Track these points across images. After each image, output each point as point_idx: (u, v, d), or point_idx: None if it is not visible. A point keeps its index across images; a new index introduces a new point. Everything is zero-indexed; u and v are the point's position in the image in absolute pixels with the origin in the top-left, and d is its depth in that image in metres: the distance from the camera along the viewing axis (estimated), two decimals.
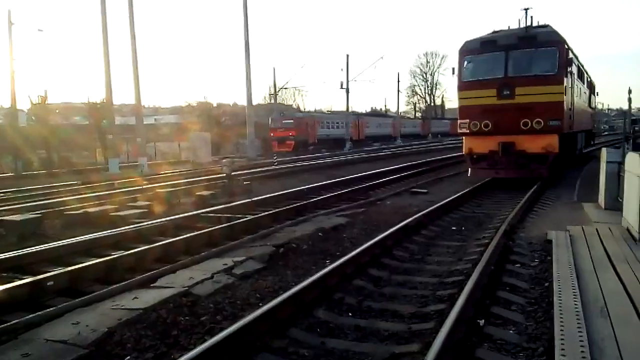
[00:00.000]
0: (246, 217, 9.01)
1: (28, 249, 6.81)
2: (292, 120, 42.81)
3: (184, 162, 28.29)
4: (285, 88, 57.62)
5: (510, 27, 14.36)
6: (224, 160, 14.99)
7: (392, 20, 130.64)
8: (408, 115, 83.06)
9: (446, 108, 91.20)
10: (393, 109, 76.01)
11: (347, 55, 47.28)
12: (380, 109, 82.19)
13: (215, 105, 38.33)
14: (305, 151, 39.20)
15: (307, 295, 4.39)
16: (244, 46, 31.13)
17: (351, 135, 47.16)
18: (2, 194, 14.30)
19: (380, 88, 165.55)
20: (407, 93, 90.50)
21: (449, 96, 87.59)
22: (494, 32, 14.09)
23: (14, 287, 5.16)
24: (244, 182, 14.42)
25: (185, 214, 9.61)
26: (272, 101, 57.12)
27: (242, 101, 37.60)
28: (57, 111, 33.87)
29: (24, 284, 5.26)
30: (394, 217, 8.69)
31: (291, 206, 10.34)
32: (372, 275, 5.46)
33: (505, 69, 12.62)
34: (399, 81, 65.08)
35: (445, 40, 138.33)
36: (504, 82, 12.57)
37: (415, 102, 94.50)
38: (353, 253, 5.70)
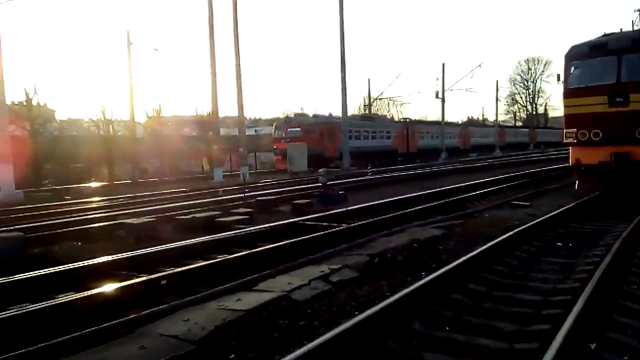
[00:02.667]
0: (341, 226, 9.14)
1: (144, 249, 7.45)
2: (298, 128, 34.03)
3: (282, 172, 29.27)
4: (380, 98, 57.51)
5: (623, 30, 13.31)
6: (320, 170, 15.32)
7: (490, 26, 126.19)
8: (507, 124, 79.29)
9: (550, 117, 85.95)
10: (491, 118, 73.04)
11: (443, 64, 46.21)
12: (477, 118, 79.31)
13: (311, 116, 38.81)
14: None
15: (403, 307, 4.37)
16: (340, 57, 31.66)
17: (395, 147, 42.29)
18: (122, 200, 15.74)
19: (477, 97, 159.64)
20: (507, 101, 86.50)
21: (553, 104, 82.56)
22: (605, 35, 13.10)
23: (131, 284, 5.69)
24: (339, 192, 14.63)
25: (284, 222, 9.97)
26: (367, 112, 57.27)
27: (338, 112, 37.89)
28: (169, 123, 36.66)
29: (140, 281, 5.78)
30: (493, 230, 8.36)
31: (386, 216, 10.32)
32: (470, 290, 5.30)
33: (618, 74, 11.66)
34: (497, 89, 62.39)
35: (549, 46, 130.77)
36: (616, 88, 11.62)
37: (516, 111, 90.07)
38: (450, 266, 5.57)
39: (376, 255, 6.58)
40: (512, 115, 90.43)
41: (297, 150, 30.42)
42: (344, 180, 19.41)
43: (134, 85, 32.47)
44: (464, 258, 5.92)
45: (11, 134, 18.26)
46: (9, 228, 9.18)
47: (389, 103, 67.88)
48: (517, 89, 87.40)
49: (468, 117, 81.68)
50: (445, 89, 46.09)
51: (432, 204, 12.22)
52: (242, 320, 4.27)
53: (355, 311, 4.57)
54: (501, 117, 76.94)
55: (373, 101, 56.45)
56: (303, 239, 8.01)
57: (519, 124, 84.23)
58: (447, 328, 4.27)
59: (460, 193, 14.50)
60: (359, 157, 34.99)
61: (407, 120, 51.01)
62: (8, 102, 18.70)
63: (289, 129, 34.09)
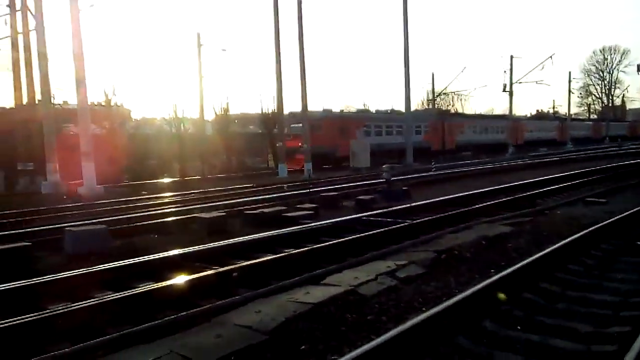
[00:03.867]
0: (406, 222, 9.10)
1: (215, 242, 7.78)
2: (301, 124, 28.93)
3: (345, 168, 29.38)
4: (445, 93, 56.14)
5: None
6: (384, 166, 15.29)
7: (562, 15, 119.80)
8: (580, 117, 75.12)
9: (628, 109, 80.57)
10: (563, 110, 69.48)
11: (511, 57, 44.46)
12: (548, 112, 75.68)
13: (374, 112, 38.38)
14: (338, 168, 28.77)
15: (473, 304, 4.33)
16: (403, 52, 31.34)
17: (428, 143, 37.38)
18: (194, 195, 16.47)
19: (548, 89, 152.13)
20: (580, 93, 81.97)
21: (631, 95, 77.32)
22: None
23: (205, 276, 5.98)
24: (403, 187, 14.52)
25: (348, 217, 10.06)
26: (430, 106, 56.14)
27: (400, 106, 37.34)
28: (235, 121, 37.76)
29: (213, 273, 6.06)
30: (566, 228, 8.01)
31: (451, 212, 10.16)
32: (543, 289, 5.15)
33: None
34: (570, 81, 59.05)
35: (627, 34, 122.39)
36: None
37: (590, 103, 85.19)
38: (521, 264, 5.43)
39: (443, 252, 6.53)
40: (586, 108, 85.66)
41: (360, 145, 30.38)
42: (407, 176, 19.23)
43: (203, 86, 33.80)
44: (535, 256, 5.75)
45: (92, 133, 19.51)
46: (93, 221, 9.85)
47: (453, 97, 66.24)
48: (591, 80, 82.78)
49: (537, 111, 78.27)
50: (514, 81, 44.39)
51: (500, 200, 11.88)
52: (311, 313, 4.39)
53: (423, 307, 4.57)
54: (574, 110, 73.17)
55: (437, 95, 55.20)
56: (368, 234, 8.06)
57: (594, 116, 79.59)
58: (519, 327, 4.19)
59: (529, 189, 13.98)
60: (380, 155, 31.26)
61: (446, 111, 46.39)
62: (88, 102, 19.93)
63: (292, 125, 29.92)
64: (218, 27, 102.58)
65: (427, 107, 58.17)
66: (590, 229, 7.39)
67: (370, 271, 5.67)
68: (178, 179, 25.26)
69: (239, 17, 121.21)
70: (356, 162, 29.47)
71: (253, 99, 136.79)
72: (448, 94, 58.81)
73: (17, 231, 9.38)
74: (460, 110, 62.10)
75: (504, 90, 44.09)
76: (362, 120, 34.35)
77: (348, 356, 3.32)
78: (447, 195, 12.80)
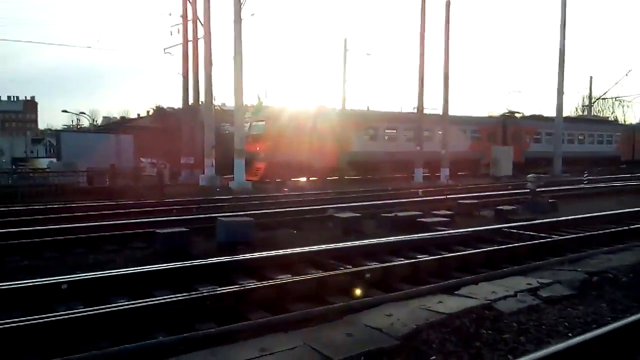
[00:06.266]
0: (551, 238, 8.45)
1: (350, 242, 7.96)
2: (262, 122, 23.39)
3: (484, 175, 28.08)
4: (604, 98, 50.60)
5: None
6: (529, 176, 14.30)
7: None
8: None
9: None
10: None
11: None
12: None
13: (519, 117, 35.73)
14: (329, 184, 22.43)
15: (630, 336, 3.89)
16: (559, 54, 29.00)
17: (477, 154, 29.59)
18: (331, 194, 17.04)
19: None
20: None
21: None
22: None
23: (339, 273, 6.15)
24: (549, 200, 13.46)
25: (486, 227, 9.61)
26: (585, 112, 51.10)
27: (551, 112, 34.37)
28: None
29: (347, 272, 6.21)
30: None
31: (605, 231, 9.20)
32: None
33: None
34: None
35: None
36: None
37: None
38: None
39: (594, 274, 5.93)
40: None
41: (502, 152, 28.76)
42: (554, 188, 17.77)
43: (346, 89, 34.74)
44: None
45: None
46: (240, 213, 10.68)
47: (613, 103, 59.41)
48: None
49: None
50: None
51: None
52: (444, 323, 4.29)
53: (569, 332, 4.21)
54: None
55: (594, 101, 50.05)
56: (507, 247, 7.65)
57: None
58: None
59: None
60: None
61: (509, 114, 35.90)
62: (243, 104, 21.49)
63: (253, 124, 23.77)
64: (364, 32, 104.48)
65: (581, 113, 52.95)
66: None
67: (509, 286, 5.37)
68: (316, 178, 26.19)
69: (384, 23, 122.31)
70: (497, 169, 27.98)
71: (394, 100, 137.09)
72: (607, 99, 52.91)
73: (177, 217, 10.56)
74: (620, 118, 55.42)
75: None
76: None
77: None
78: (601, 211, 11.58)
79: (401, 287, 5.84)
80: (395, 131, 27.60)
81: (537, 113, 38.30)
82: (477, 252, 7.32)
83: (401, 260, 6.89)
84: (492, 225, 10.04)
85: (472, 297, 4.98)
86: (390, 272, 6.33)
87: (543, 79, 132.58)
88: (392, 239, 8.18)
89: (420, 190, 17.33)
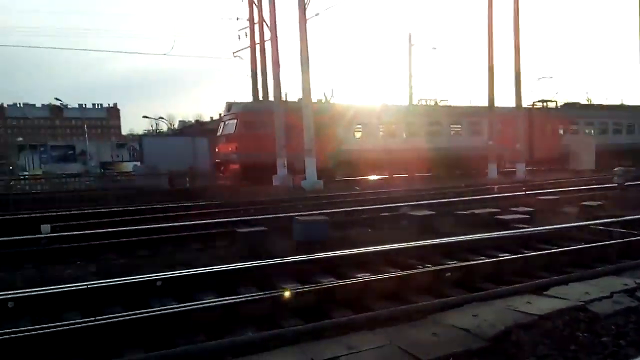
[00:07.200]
0: None
1: (426, 241, 7.86)
2: (234, 119, 21.50)
3: (561, 170, 26.71)
4: None
5: None
6: (615, 169, 13.45)
7: None
8: None
9: None
10: None
11: None
12: None
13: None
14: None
15: None
16: None
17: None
18: (402, 192, 16.90)
19: None
20: None
21: None
22: None
23: (419, 272, 6.10)
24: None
25: (570, 224, 9.16)
26: None
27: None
28: None
29: (427, 271, 6.15)
30: None
31: None
32: None
33: None
34: None
35: None
36: None
37: None
38: None
39: None
40: None
41: (583, 145, 27.21)
42: None
43: (412, 83, 34.29)
44: None
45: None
46: (315, 212, 10.85)
47: None
48: None
49: None
50: None
51: None
52: (535, 325, 4.15)
53: None
54: None
55: None
56: (598, 245, 7.24)
57: None
58: None
59: None
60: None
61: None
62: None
63: (226, 122, 22.15)
64: (429, 27, 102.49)
65: None
66: None
67: (603, 287, 5.09)
68: (386, 176, 26.02)
69: (451, 17, 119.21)
70: (577, 163, 26.51)
71: (461, 94, 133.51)
72: None
73: (255, 217, 10.89)
74: None
75: None
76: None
77: None
78: None
79: (484, 287, 5.70)
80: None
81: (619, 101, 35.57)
82: (565, 250, 6.99)
83: (483, 259, 6.72)
84: (576, 222, 9.54)
85: (563, 298, 4.78)
86: (472, 271, 6.20)
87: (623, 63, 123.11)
88: (471, 236, 7.99)
89: (496, 187, 16.77)
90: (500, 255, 7.10)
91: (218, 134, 23.09)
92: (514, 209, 11.20)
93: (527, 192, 14.13)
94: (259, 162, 20.63)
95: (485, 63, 24.34)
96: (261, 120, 21.39)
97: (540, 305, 4.60)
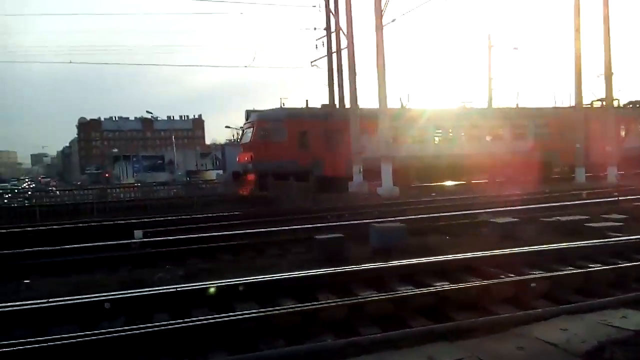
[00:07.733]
0: None
1: (509, 249, 7.53)
2: (251, 127, 20.67)
3: None
4: None
5: None
6: None
7: None
8: None
9: None
10: None
11: None
12: None
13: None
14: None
15: None
16: None
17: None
18: (482, 199, 16.35)
19: None
20: None
21: None
22: None
23: (501, 282, 5.86)
24: None
25: None
26: None
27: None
28: None
29: (509, 281, 5.89)
30: None
31: None
32: None
33: None
34: None
35: None
36: None
37: None
38: None
39: None
40: None
41: None
42: None
43: (492, 86, 33.12)
44: None
45: None
46: (392, 219, 10.77)
47: None
48: None
49: None
50: None
51: None
52: (631, 341, 3.87)
53: None
54: None
55: None
56: None
57: None
58: None
59: None
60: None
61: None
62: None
63: (245, 130, 21.55)
64: (510, 27, 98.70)
65: None
66: None
67: None
68: (463, 182, 25.25)
69: (533, 19, 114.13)
70: None
71: (545, 93, 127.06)
72: None
73: (333, 224, 11.00)
74: None
75: None
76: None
77: None
78: None
79: (573, 300, 5.39)
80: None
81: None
82: None
83: (571, 269, 6.34)
84: None
85: None
86: (559, 282, 5.87)
87: None
88: (557, 245, 7.57)
89: (584, 193, 15.76)
90: (591, 265, 6.67)
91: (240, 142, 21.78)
92: (606, 216, 10.49)
93: (618, 198, 13.15)
94: (276, 170, 19.59)
95: (567, 63, 23.06)
96: (277, 128, 20.68)
97: (638, 320, 4.28)
